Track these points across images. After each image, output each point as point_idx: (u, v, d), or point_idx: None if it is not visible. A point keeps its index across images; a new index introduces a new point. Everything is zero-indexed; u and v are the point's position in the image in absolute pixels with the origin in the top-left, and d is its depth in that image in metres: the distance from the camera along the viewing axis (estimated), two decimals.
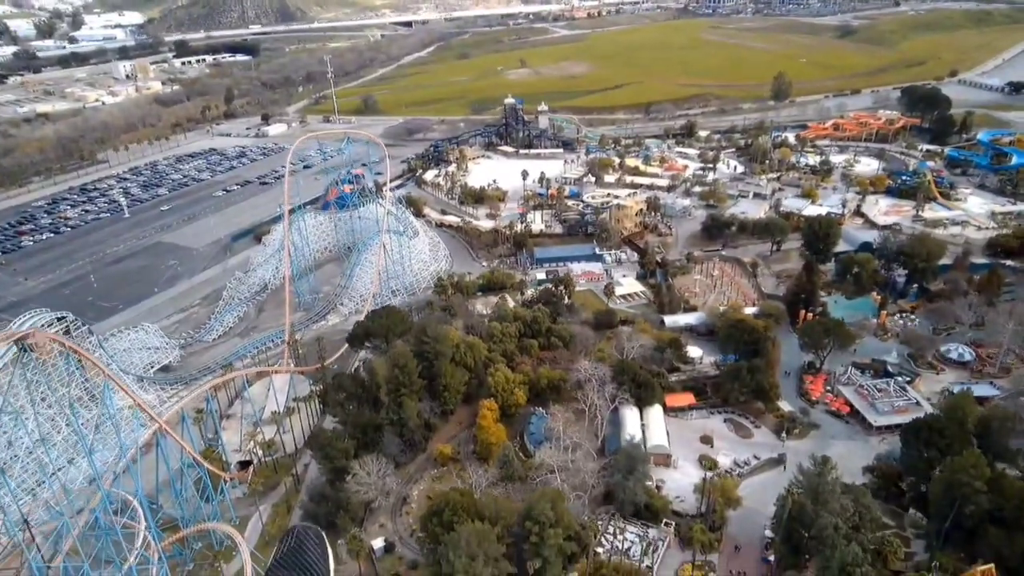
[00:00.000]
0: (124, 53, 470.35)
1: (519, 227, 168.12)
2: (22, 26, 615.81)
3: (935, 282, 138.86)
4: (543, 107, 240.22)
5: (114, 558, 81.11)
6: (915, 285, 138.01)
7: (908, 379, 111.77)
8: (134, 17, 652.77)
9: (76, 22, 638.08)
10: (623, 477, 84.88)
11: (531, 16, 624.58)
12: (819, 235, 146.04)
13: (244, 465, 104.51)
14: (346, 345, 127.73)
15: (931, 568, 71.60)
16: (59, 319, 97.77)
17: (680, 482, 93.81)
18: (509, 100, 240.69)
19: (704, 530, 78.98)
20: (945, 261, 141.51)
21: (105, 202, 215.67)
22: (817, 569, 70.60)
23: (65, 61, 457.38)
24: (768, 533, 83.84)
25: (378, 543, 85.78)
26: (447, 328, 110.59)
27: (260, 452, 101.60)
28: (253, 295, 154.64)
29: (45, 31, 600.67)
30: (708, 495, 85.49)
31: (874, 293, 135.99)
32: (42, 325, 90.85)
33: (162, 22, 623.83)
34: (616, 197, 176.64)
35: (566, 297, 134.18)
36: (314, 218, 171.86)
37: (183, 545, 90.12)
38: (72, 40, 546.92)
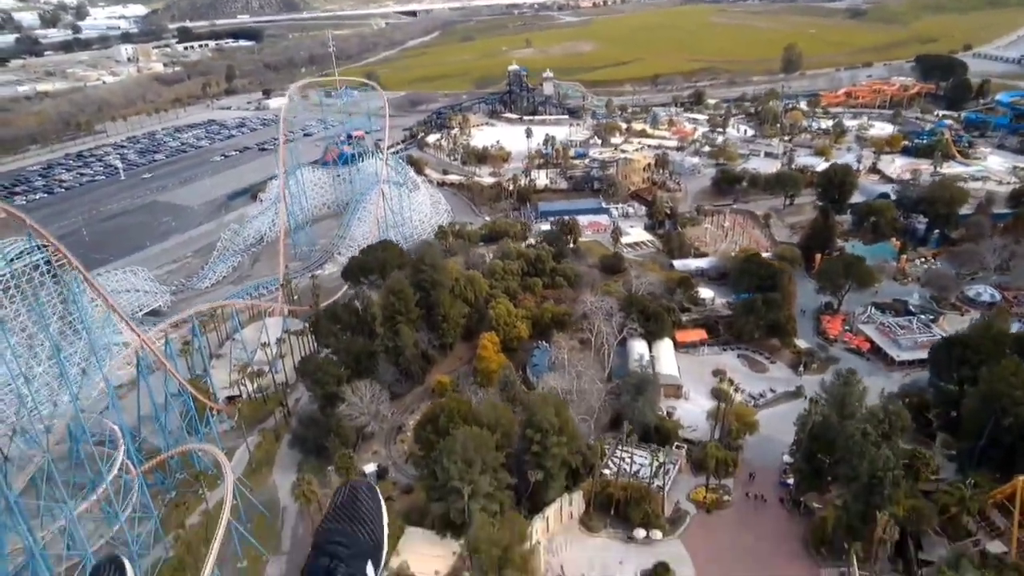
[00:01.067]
0: (127, 39, 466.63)
1: (523, 181, 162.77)
2: (26, 17, 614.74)
3: (957, 231, 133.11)
4: (548, 74, 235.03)
5: (89, 482, 76.65)
6: (936, 231, 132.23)
7: (932, 318, 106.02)
8: (138, 9, 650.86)
9: (80, 13, 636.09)
10: (631, 399, 79.38)
11: (536, 5, 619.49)
12: (835, 183, 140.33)
13: (232, 400, 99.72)
14: (343, 290, 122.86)
15: (966, 484, 66.06)
16: (40, 247, 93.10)
17: (691, 412, 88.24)
18: (513, 67, 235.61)
19: (719, 446, 73.42)
20: (966, 211, 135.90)
21: (101, 166, 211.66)
22: (843, 480, 65.01)
23: (68, 46, 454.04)
24: (787, 458, 78.29)
25: (370, 468, 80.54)
26: (446, 260, 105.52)
27: (249, 385, 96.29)
28: (248, 247, 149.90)
29: (49, 21, 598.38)
30: (723, 419, 79.84)
31: (893, 239, 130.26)
32: (19, 253, 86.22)
33: (166, 12, 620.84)
34: (623, 152, 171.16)
35: (571, 242, 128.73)
36: (312, 173, 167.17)
37: (165, 472, 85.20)
38: (76, 29, 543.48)
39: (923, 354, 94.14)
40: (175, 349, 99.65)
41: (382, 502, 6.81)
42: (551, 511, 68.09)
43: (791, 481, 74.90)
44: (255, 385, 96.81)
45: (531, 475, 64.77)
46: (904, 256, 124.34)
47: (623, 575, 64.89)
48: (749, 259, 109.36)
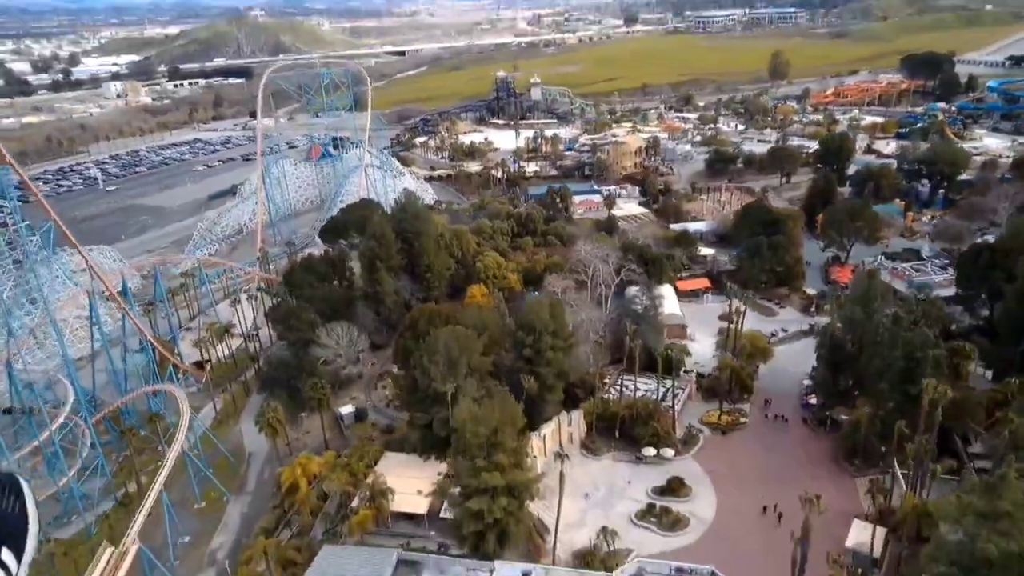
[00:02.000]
0: (116, 77, 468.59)
1: (512, 169, 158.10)
2: (18, 67, 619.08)
3: (961, 195, 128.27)
4: (536, 80, 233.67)
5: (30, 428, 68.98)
6: (941, 192, 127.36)
7: (947, 261, 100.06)
8: (131, 58, 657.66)
9: (73, 61, 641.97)
10: (634, 321, 72.35)
11: (523, 44, 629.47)
12: (833, 150, 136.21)
13: (200, 365, 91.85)
14: None
15: (1010, 383, 58.98)
16: None
17: (698, 352, 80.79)
18: (500, 73, 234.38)
19: (733, 358, 66.27)
20: (968, 176, 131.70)
21: (80, 178, 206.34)
22: (873, 376, 57.69)
23: (58, 86, 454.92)
24: (807, 382, 71.25)
25: (347, 408, 73.01)
26: (430, 213, 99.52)
27: (218, 344, 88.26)
28: (227, 237, 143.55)
29: (41, 69, 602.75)
30: (736, 340, 72.74)
31: (897, 200, 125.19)
32: None
33: (157, 58, 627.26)
34: (614, 136, 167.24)
35: (564, 211, 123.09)
36: (294, 166, 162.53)
37: (119, 424, 76.89)
38: (67, 73, 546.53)
39: (944, 292, 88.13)
40: (137, 309, 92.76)
41: (26, 490, 4.09)
42: (548, 430, 60.44)
43: (814, 401, 67.70)
44: (224, 344, 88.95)
45: (524, 380, 57.25)
46: (910, 214, 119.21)
47: (632, 494, 57.07)
48: (750, 206, 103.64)
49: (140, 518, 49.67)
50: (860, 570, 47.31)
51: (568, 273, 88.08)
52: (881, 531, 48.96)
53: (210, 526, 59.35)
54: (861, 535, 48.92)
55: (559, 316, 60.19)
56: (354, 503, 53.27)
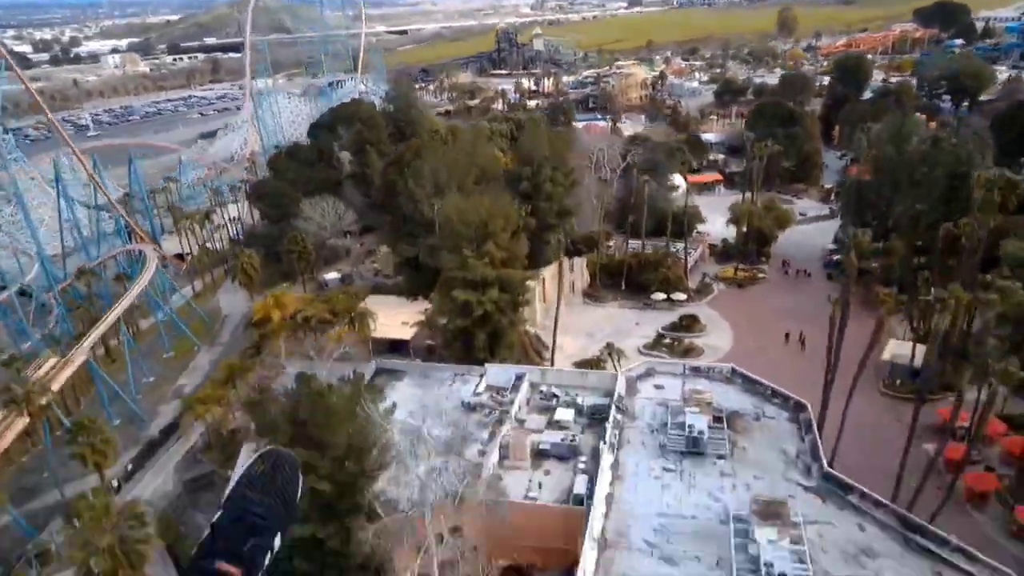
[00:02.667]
0: (115, 52, 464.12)
1: (512, 100, 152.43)
2: (19, 47, 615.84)
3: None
4: (538, 31, 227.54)
5: None
6: (965, 104, 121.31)
7: None
8: (131, 41, 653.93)
9: (73, 43, 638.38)
10: (646, 181, 66.57)
11: (526, 23, 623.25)
12: (849, 68, 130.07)
13: (181, 257, 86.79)
14: None
15: None
16: None
17: (710, 230, 75.42)
18: (501, 25, 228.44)
19: (752, 205, 60.78)
20: (989, 96, 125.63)
21: (72, 126, 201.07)
22: (909, 206, 52.02)
23: (57, 61, 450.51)
24: (830, 246, 65.77)
25: (332, 275, 67.73)
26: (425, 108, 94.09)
27: (197, 228, 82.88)
28: (216, 163, 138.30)
29: (41, 50, 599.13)
30: (754, 194, 67.13)
31: (918, 114, 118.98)
32: None
33: (157, 40, 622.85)
34: (620, 67, 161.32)
35: (567, 123, 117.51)
36: (288, 99, 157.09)
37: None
38: (66, 52, 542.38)
39: None
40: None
41: (300, 474, 5.99)
42: (548, 272, 54.98)
43: (838, 258, 62.15)
44: (207, 238, 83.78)
45: (522, 209, 51.61)
46: (932, 125, 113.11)
47: (641, 333, 51.70)
48: (764, 104, 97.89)
49: (94, 334, 44.53)
50: (899, 381, 41.86)
51: (572, 157, 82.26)
52: (920, 348, 43.59)
53: (177, 371, 54.32)
54: (899, 348, 43.47)
55: (560, 148, 54.71)
56: (333, 331, 47.96)
